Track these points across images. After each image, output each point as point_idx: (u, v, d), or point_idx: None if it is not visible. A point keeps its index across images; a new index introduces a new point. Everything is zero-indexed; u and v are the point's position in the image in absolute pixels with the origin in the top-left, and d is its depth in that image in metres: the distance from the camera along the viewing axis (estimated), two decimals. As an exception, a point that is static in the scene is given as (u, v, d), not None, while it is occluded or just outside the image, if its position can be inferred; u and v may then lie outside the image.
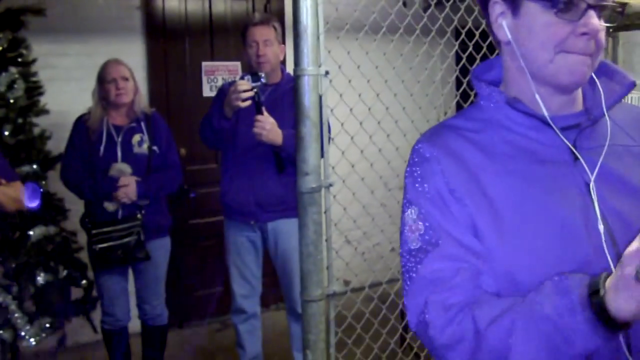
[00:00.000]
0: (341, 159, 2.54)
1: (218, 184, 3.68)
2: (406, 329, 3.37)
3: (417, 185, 1.23)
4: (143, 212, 3.53)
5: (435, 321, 1.13)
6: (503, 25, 1.24)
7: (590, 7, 1.14)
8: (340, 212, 2.66)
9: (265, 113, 3.23)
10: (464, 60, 2.84)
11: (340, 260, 2.71)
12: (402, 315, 3.45)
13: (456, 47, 2.89)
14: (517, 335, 1.04)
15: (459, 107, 2.88)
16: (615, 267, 1.01)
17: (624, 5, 1.23)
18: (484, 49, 2.76)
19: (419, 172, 1.23)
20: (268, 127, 3.21)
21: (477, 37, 2.75)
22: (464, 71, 2.81)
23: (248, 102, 3.17)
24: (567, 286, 1.02)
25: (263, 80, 3.19)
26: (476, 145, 1.24)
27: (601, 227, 1.14)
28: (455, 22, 2.83)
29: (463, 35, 2.83)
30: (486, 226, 1.16)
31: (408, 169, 1.27)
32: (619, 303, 0.95)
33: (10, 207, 2.99)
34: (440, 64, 2.95)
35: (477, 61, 2.74)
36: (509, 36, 1.23)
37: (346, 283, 4.41)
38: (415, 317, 1.18)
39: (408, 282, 1.21)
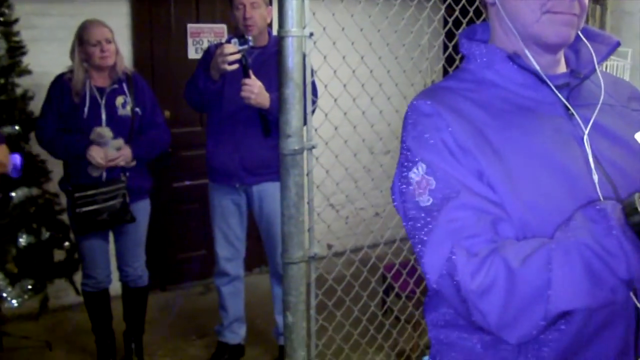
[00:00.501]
0: (324, 122, 2.53)
1: (203, 147, 3.67)
2: (387, 292, 3.39)
3: (421, 141, 1.20)
4: (127, 174, 3.51)
5: (464, 269, 1.08)
6: None
7: None
8: (322, 174, 2.65)
9: (253, 76, 3.20)
10: (450, 24, 2.83)
11: (323, 224, 2.71)
12: (384, 279, 3.48)
13: (442, 10, 2.87)
14: (555, 265, 1.01)
15: (445, 72, 2.87)
16: None
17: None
18: (471, 13, 2.75)
19: (422, 128, 1.21)
20: (256, 90, 3.19)
21: (463, 1, 2.73)
22: (449, 35, 2.80)
23: (235, 66, 3.14)
24: (601, 211, 1.02)
25: (250, 43, 3.15)
26: (474, 102, 1.24)
27: (595, 177, 1.15)
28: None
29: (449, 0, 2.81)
30: (496, 177, 1.15)
31: (408, 127, 1.25)
32: None
33: None
34: (427, 28, 2.92)
35: (464, 25, 2.73)
36: None
37: (329, 247, 4.44)
38: (437, 271, 1.12)
39: (425, 238, 1.16)
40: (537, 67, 1.23)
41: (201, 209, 4.42)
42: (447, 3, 2.82)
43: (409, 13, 2.73)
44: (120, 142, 3.46)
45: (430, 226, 1.15)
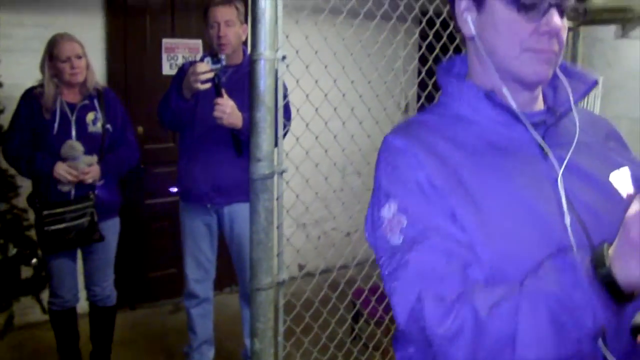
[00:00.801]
0: (295, 145, 2.51)
1: (175, 164, 3.63)
2: (356, 318, 3.37)
3: (394, 178, 1.20)
4: (96, 192, 3.46)
5: (432, 314, 1.06)
6: (468, 20, 1.26)
7: (552, 5, 1.16)
8: (293, 198, 2.63)
9: (225, 96, 3.18)
10: (423, 49, 2.81)
11: (292, 247, 2.68)
12: (353, 305, 3.46)
13: (416, 34, 2.86)
14: (521, 316, 0.99)
15: (419, 97, 2.86)
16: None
17: (584, 3, 1.23)
18: (444, 38, 2.74)
19: (394, 164, 1.20)
20: (228, 110, 3.16)
21: (437, 25, 2.73)
22: (423, 60, 2.79)
23: (207, 85, 3.11)
24: (569, 262, 1.00)
25: (223, 62, 3.13)
26: (448, 140, 1.23)
27: (567, 219, 1.14)
28: (417, 10, 2.80)
29: (424, 24, 2.80)
30: (468, 219, 1.13)
31: (381, 163, 1.24)
32: (629, 269, 0.93)
33: None
34: (401, 52, 2.92)
35: (437, 50, 2.72)
36: (474, 31, 1.25)
37: (300, 267, 4.41)
38: (406, 314, 1.11)
39: (394, 279, 1.14)
40: (514, 105, 1.22)
41: (172, 227, 4.37)
42: (421, 27, 2.82)
43: (383, 36, 2.72)
44: (91, 159, 3.42)
45: (400, 267, 1.13)
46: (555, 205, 1.17)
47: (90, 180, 3.40)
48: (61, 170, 3.31)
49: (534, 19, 1.16)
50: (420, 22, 2.82)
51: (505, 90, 1.22)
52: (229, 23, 3.34)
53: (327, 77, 2.58)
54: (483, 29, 1.23)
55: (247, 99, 3.15)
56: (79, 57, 3.42)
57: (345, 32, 2.62)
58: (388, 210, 1.18)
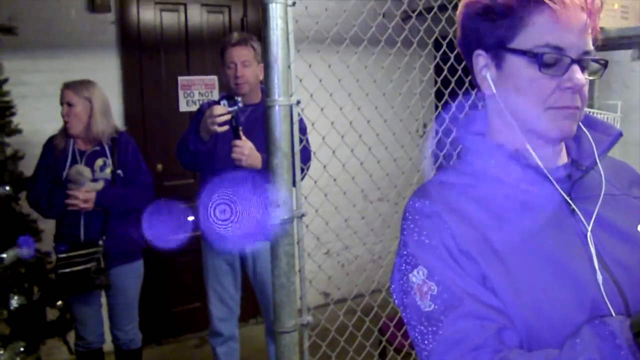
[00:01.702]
0: (314, 188, 2.52)
1: (195, 200, 3.64)
2: (383, 353, 3.35)
3: (421, 244, 1.18)
4: (104, 238, 3.48)
5: None
6: (487, 78, 1.24)
7: (574, 61, 1.15)
8: (313, 240, 2.64)
9: (244, 137, 3.19)
10: (440, 79, 2.82)
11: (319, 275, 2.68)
12: (380, 341, 3.44)
13: (421, 57, 2.87)
14: None
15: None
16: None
17: (606, 61, 1.23)
18: (455, 61, 2.75)
19: (422, 230, 1.19)
20: (247, 152, 3.16)
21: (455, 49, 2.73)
22: (438, 90, 2.79)
23: (225, 127, 3.12)
24: (609, 328, 0.99)
25: (240, 104, 3.14)
26: (474, 201, 1.21)
27: (599, 277, 1.13)
28: (421, 33, 2.82)
29: (442, 49, 2.81)
30: (499, 282, 1.12)
31: (407, 228, 1.22)
32: None
33: None
34: (417, 87, 2.93)
35: (445, 72, 2.72)
36: (494, 89, 1.23)
37: (326, 295, 4.41)
38: None
39: (428, 347, 1.12)
40: (539, 163, 1.21)
41: (195, 262, 4.38)
42: (440, 51, 2.81)
43: (397, 75, 2.73)
44: (97, 185, 3.45)
45: (433, 335, 1.12)
46: (587, 262, 1.15)
47: (82, 205, 3.38)
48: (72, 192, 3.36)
49: (556, 75, 1.14)
50: (437, 47, 2.82)
51: (529, 148, 1.21)
52: (245, 63, 3.36)
53: (343, 118, 2.60)
54: (503, 86, 1.21)
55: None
56: (70, 105, 3.45)
57: (359, 73, 2.63)
58: (417, 276, 1.16)
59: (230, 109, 3.10)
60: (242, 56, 3.36)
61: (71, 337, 3.79)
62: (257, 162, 3.21)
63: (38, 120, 4.04)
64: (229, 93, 3.34)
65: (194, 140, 3.28)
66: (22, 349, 3.59)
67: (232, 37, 3.44)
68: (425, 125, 4.53)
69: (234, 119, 3.14)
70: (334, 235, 2.76)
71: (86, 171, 3.43)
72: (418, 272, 1.16)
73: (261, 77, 3.46)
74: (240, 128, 3.19)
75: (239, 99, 3.15)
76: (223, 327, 3.66)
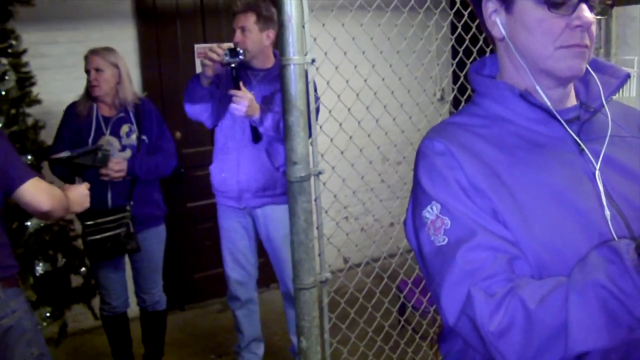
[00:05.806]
0: (330, 146, 2.54)
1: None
2: (401, 310, 3.39)
3: (434, 180, 1.21)
4: (132, 203, 3.53)
5: (482, 310, 1.08)
6: (497, 22, 1.28)
7: (581, 0, 1.18)
8: (331, 197, 2.67)
9: (243, 88, 3.23)
10: (457, 33, 2.82)
11: (336, 237, 2.71)
12: (398, 297, 3.48)
13: (447, 22, 2.87)
14: (572, 306, 1.01)
15: (455, 80, 2.86)
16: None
17: (613, 0, 1.25)
18: (476, 31, 2.74)
19: (434, 166, 1.22)
20: (247, 102, 3.20)
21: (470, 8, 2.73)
22: (459, 45, 2.79)
23: (211, 64, 3.21)
24: (615, 252, 1.02)
25: (241, 57, 3.20)
26: (485, 139, 1.25)
27: (607, 213, 1.17)
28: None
29: (454, 10, 2.81)
30: (510, 216, 1.16)
31: (420, 165, 1.26)
32: None
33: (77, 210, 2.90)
34: (432, 44, 2.93)
35: (466, 41, 2.72)
36: (504, 33, 1.27)
37: (345, 260, 4.44)
38: (455, 313, 1.13)
39: (441, 279, 1.15)
40: (549, 103, 1.24)
41: (215, 228, 4.44)
42: (453, 10, 2.80)
43: (411, 33, 2.74)
44: (125, 154, 3.52)
45: (446, 267, 1.15)
46: (595, 199, 1.19)
47: (115, 175, 3.44)
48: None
49: (565, 15, 1.18)
50: (450, 9, 2.81)
51: (538, 88, 1.25)
52: (244, 29, 3.40)
53: (358, 77, 2.61)
54: (513, 29, 1.24)
55: (279, 100, 3.23)
56: (98, 70, 3.48)
57: (372, 30, 2.63)
58: (431, 212, 1.20)
59: (231, 60, 3.17)
60: (240, 22, 3.42)
61: (95, 303, 3.86)
62: (256, 112, 3.25)
63: (58, 91, 4.08)
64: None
65: (194, 83, 3.36)
66: (48, 314, 3.68)
67: (236, 4, 3.48)
68: (442, 90, 4.55)
69: (234, 70, 3.19)
70: (351, 194, 2.77)
71: (115, 142, 3.47)
72: (432, 208, 1.20)
73: (267, 42, 3.47)
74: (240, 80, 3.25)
75: (241, 51, 3.20)
76: (240, 291, 3.72)
